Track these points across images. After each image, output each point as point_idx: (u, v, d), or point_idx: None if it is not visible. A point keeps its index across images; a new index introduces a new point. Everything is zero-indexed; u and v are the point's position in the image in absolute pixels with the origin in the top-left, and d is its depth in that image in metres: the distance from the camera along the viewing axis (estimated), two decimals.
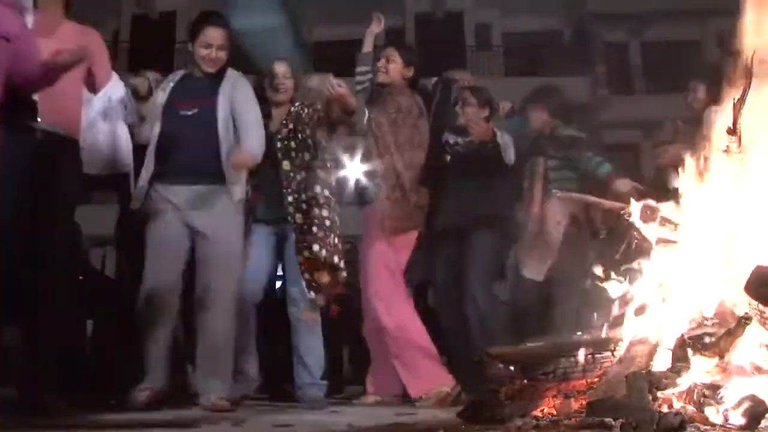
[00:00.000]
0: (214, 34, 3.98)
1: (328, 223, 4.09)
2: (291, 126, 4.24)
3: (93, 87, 3.75)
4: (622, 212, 3.22)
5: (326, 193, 4.15)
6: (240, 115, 3.94)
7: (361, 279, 4.48)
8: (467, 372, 4.40)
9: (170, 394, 3.93)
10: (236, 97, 3.96)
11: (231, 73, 4.03)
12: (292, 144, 4.21)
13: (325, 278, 4.07)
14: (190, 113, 3.93)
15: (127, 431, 2.87)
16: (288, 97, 4.36)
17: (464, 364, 4.53)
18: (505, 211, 4.71)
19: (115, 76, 3.82)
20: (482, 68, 17.62)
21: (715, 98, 4.75)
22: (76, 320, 4.61)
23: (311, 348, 4.20)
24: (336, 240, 4.11)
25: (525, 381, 2.61)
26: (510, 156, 4.67)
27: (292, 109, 4.31)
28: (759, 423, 2.08)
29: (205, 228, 3.86)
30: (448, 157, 4.86)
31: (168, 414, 3.45)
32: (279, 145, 4.20)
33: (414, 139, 4.33)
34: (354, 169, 4.58)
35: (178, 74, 4.13)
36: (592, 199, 4.36)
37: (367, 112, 4.27)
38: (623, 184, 4.56)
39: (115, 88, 3.81)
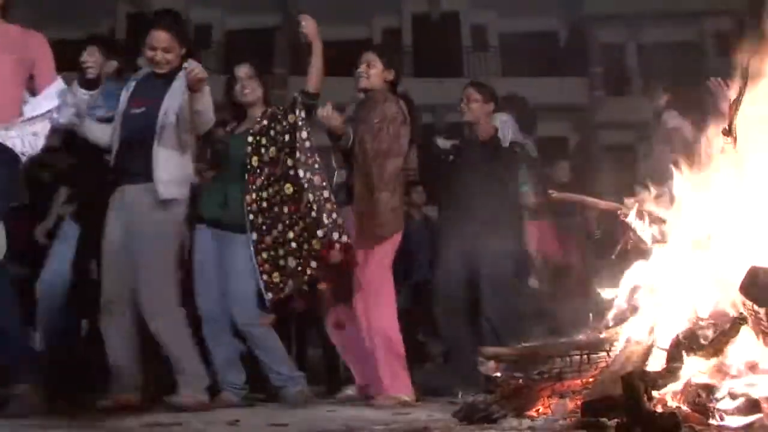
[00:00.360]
0: (158, 37, 3.98)
1: (315, 208, 4.03)
2: (265, 122, 4.22)
3: (33, 90, 3.70)
4: (618, 213, 3.23)
5: (308, 175, 4.10)
6: (191, 108, 3.89)
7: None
8: (464, 373, 4.40)
9: (147, 400, 3.91)
10: (187, 96, 3.90)
11: (184, 74, 3.95)
12: (263, 140, 4.19)
13: (275, 278, 4.04)
14: (138, 112, 3.95)
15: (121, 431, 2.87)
16: (255, 97, 4.35)
17: (462, 365, 4.52)
18: (510, 210, 4.71)
19: (58, 81, 3.73)
20: (479, 69, 17.64)
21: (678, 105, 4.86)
22: (71, 320, 4.59)
23: (271, 348, 4.11)
24: (330, 218, 4.06)
25: (520, 381, 2.61)
26: (507, 137, 4.70)
27: (269, 109, 4.30)
28: (753, 422, 2.09)
29: (133, 226, 3.85)
30: (451, 157, 4.88)
31: (166, 416, 3.44)
32: (250, 139, 4.19)
33: (395, 147, 4.30)
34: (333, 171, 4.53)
35: (142, 73, 4.13)
36: (588, 199, 4.37)
37: (352, 134, 4.25)
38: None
39: (50, 96, 3.71)
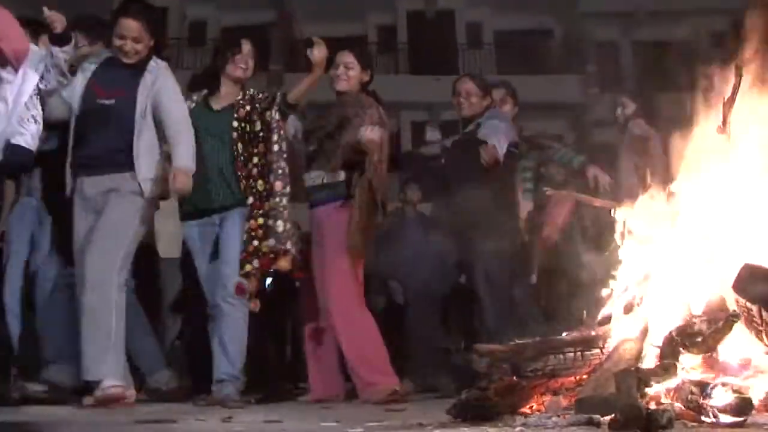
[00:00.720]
0: (128, 26, 3.88)
1: (273, 214, 4.02)
2: (248, 108, 4.17)
3: (5, 63, 3.55)
4: (612, 210, 3.23)
5: (272, 179, 4.08)
6: (166, 114, 3.85)
7: (317, 278, 4.32)
8: (429, 365, 4.41)
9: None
10: (160, 93, 3.86)
11: (153, 66, 3.93)
12: (248, 128, 4.14)
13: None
14: (107, 103, 3.85)
15: (114, 427, 2.87)
16: (246, 76, 4.28)
17: (430, 358, 4.50)
18: (505, 209, 4.68)
19: (32, 49, 3.60)
20: (474, 66, 17.64)
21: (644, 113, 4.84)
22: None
23: (236, 338, 4.03)
24: (285, 227, 4.04)
25: (514, 378, 2.61)
26: (503, 147, 4.58)
27: (249, 92, 4.24)
28: (745, 420, 2.10)
29: (102, 207, 3.76)
30: (442, 160, 4.84)
31: (160, 412, 3.44)
32: (236, 124, 4.13)
33: (381, 152, 4.27)
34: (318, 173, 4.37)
35: (102, 56, 4.01)
36: (582, 197, 4.37)
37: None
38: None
39: (30, 68, 3.57)
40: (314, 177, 4.31)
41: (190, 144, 3.90)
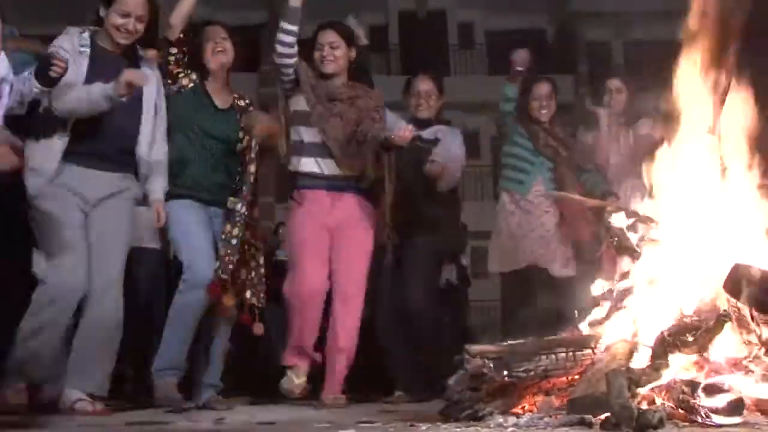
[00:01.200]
0: (134, 2, 3.49)
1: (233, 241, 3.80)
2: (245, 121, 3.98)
3: None
4: (606, 211, 3.24)
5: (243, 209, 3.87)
6: (155, 126, 3.65)
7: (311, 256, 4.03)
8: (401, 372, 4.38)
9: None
10: (161, 106, 3.68)
11: (148, 62, 3.68)
12: (246, 143, 3.95)
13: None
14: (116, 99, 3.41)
15: (106, 429, 2.86)
16: (228, 59, 3.99)
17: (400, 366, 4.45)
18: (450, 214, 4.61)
19: (2, 57, 3.25)
20: (465, 67, 17.66)
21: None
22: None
23: (223, 348, 3.95)
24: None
25: (506, 379, 2.61)
26: (457, 174, 4.46)
27: (246, 101, 4.08)
28: (737, 420, 2.11)
29: (103, 210, 3.50)
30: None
31: (152, 415, 3.43)
32: (241, 134, 3.94)
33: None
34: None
35: (86, 37, 3.56)
36: (577, 197, 4.37)
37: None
38: None
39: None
40: (325, 164, 4.04)
41: (166, 167, 3.74)
